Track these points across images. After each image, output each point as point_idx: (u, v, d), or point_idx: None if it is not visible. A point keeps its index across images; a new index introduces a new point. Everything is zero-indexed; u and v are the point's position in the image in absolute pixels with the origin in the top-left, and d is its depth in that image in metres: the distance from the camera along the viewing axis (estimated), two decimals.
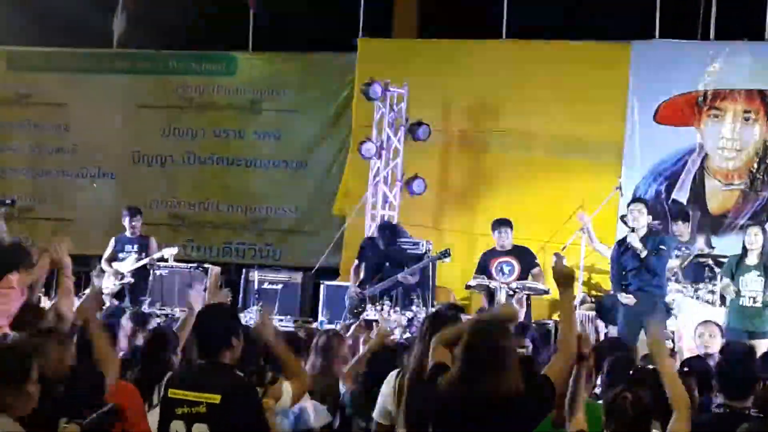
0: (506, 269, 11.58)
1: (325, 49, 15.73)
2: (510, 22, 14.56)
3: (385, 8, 15.74)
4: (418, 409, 4.99)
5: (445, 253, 12.17)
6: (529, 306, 11.48)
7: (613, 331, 11.17)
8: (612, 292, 11.36)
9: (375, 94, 13.91)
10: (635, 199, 11.59)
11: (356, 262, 12.36)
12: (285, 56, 16.12)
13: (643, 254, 10.51)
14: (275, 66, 16.15)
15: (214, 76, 16.24)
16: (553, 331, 12.32)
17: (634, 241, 10.59)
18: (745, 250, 10.67)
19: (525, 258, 11.69)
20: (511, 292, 11.05)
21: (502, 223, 11.83)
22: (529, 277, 11.49)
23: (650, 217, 10.91)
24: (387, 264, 11.98)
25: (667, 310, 10.93)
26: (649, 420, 4.76)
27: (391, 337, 7.70)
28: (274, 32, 15.88)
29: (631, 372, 5.93)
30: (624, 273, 10.76)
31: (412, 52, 15.07)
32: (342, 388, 6.65)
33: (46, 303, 8.48)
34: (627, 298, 10.54)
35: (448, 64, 14.58)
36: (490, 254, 11.79)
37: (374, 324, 10.06)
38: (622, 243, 10.85)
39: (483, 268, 11.68)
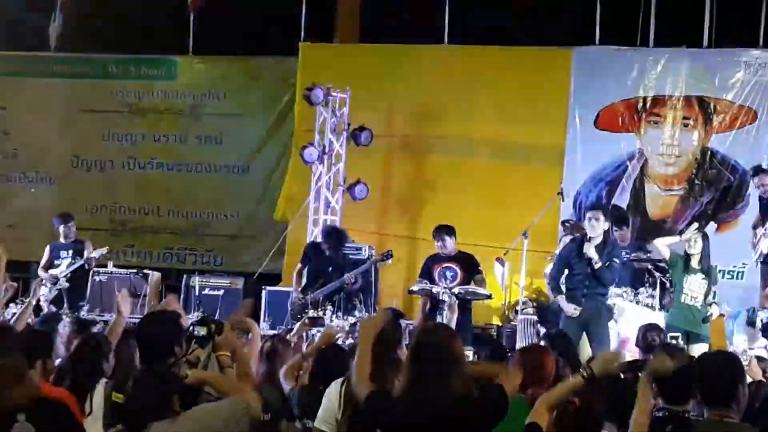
0: (449, 275, 11.55)
1: (266, 53, 15.67)
2: (452, 28, 14.62)
3: (328, 13, 15.71)
4: (368, 418, 4.95)
5: (387, 255, 12.16)
6: (469, 311, 11.44)
7: None
8: (550, 294, 11.31)
9: (317, 98, 13.87)
10: (593, 206, 11.38)
11: (299, 266, 12.29)
12: (226, 60, 16.04)
13: (598, 265, 10.35)
14: (216, 70, 16.06)
15: (154, 80, 16.11)
16: (495, 335, 12.43)
17: (590, 251, 10.35)
18: (686, 254, 10.80)
19: (468, 264, 11.66)
20: (453, 297, 11.02)
21: (442, 231, 11.71)
22: (472, 283, 11.45)
23: (607, 224, 10.72)
24: (330, 269, 11.92)
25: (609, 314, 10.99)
26: (598, 427, 4.78)
27: (337, 336, 7.65)
28: (215, 36, 15.79)
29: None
30: (569, 274, 10.66)
31: (354, 56, 15.06)
32: (285, 388, 6.59)
33: None
34: (574, 310, 10.42)
35: (390, 69, 14.59)
36: (434, 259, 11.74)
37: (319, 321, 10.04)
38: (580, 247, 10.58)
39: (426, 273, 11.63)
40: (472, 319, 11.69)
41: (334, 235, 12.35)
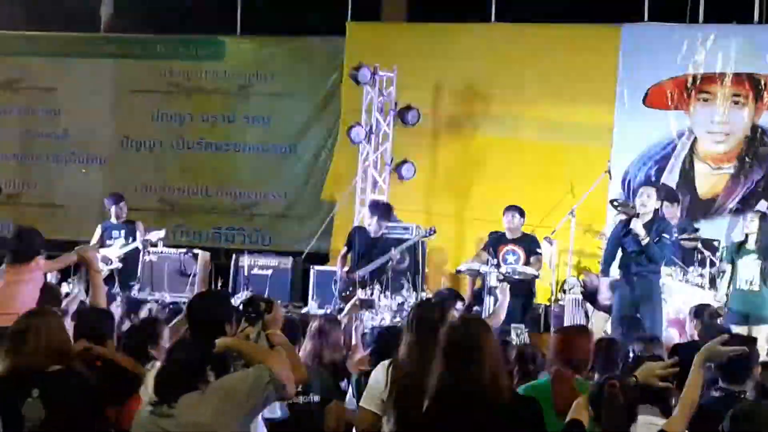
0: (512, 258, 11.58)
1: (313, 33, 15.68)
2: (499, 6, 14.54)
3: None
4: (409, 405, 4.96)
5: (431, 231, 12.17)
6: (525, 293, 11.41)
7: (601, 320, 11.16)
8: (600, 274, 11.27)
9: (364, 78, 13.88)
10: (646, 183, 11.32)
11: (344, 249, 12.33)
12: (273, 40, 16.05)
13: (645, 241, 10.32)
14: (264, 50, 16.08)
15: (202, 60, 16.16)
16: (543, 314, 12.40)
17: (637, 227, 10.33)
18: (745, 235, 10.73)
19: (529, 245, 11.70)
20: (501, 277, 11.00)
21: (514, 209, 11.81)
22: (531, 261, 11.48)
23: (659, 202, 10.65)
24: (375, 251, 11.95)
25: None
26: (636, 405, 4.76)
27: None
28: (263, 16, 15.83)
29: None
30: (623, 254, 10.63)
31: (401, 36, 15.03)
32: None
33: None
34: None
35: (437, 48, 14.53)
36: (499, 240, 11.75)
37: (369, 303, 10.07)
38: (627, 224, 10.60)
39: (493, 251, 11.63)
40: (531, 300, 11.66)
41: (381, 206, 12.40)
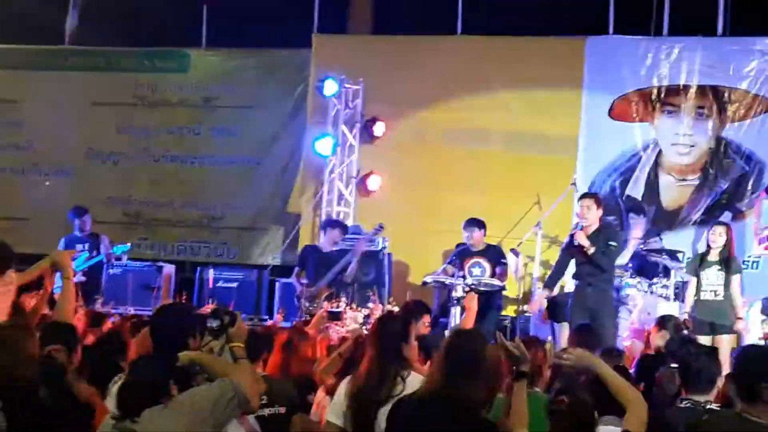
0: (478, 271, 11.58)
1: (280, 46, 15.66)
2: (465, 18, 14.57)
3: (341, 5, 15.69)
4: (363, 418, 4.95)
5: (379, 228, 12.13)
6: (492, 306, 11.42)
7: (561, 329, 11.18)
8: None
9: (330, 90, 13.87)
10: (584, 195, 11.32)
11: (296, 269, 12.28)
12: (240, 53, 16.01)
13: (591, 251, 10.39)
14: (230, 63, 16.03)
15: (168, 73, 16.09)
16: (509, 327, 12.40)
17: (581, 239, 10.38)
18: (708, 246, 10.82)
19: (495, 256, 11.70)
20: (467, 289, 11.00)
21: (473, 223, 11.77)
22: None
23: (601, 211, 10.73)
24: (328, 267, 11.92)
25: (621, 304, 10.99)
26: (591, 421, 4.75)
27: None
28: (229, 29, 15.79)
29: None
30: (576, 265, 10.69)
31: (367, 48, 15.03)
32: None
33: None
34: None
35: (403, 61, 14.53)
36: (464, 253, 11.73)
37: (336, 315, 10.03)
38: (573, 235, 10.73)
39: (458, 263, 11.63)
40: (497, 312, 11.66)
41: (333, 223, 12.42)
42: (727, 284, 10.57)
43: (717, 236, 10.77)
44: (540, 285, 12.24)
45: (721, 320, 10.53)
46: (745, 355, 4.87)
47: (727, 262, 10.66)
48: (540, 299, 10.94)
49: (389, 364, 5.26)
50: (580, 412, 4.71)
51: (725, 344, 10.24)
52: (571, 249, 10.64)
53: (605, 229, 10.69)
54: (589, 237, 10.42)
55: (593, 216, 10.49)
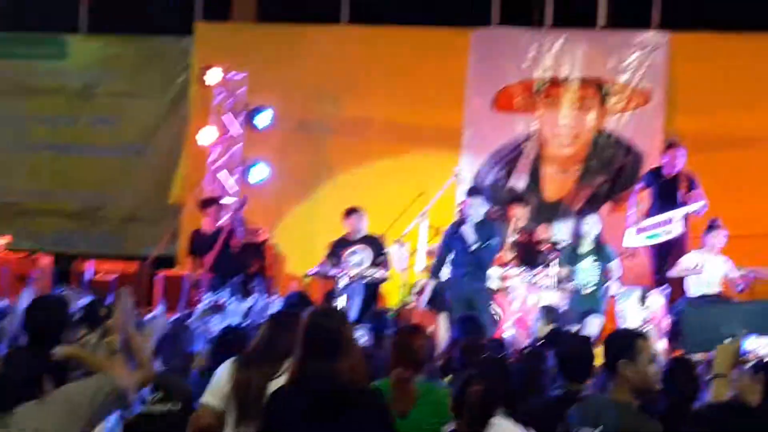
0: (357, 258, 11.55)
1: (162, 33, 15.39)
2: (351, 8, 14.54)
3: None
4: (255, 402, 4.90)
5: (243, 201, 12.43)
6: (374, 295, 11.43)
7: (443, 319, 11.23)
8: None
9: (213, 79, 13.72)
10: (471, 191, 11.39)
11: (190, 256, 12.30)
12: (120, 40, 15.69)
13: (474, 246, 10.49)
14: (110, 49, 15.67)
15: (43, 59, 15.67)
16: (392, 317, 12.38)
17: (466, 232, 10.53)
18: (581, 237, 10.99)
19: (375, 246, 11.70)
20: (349, 281, 10.99)
21: (352, 212, 11.78)
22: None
23: (486, 206, 10.83)
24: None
25: (504, 294, 11.10)
26: (494, 409, 4.79)
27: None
28: (109, 15, 15.47)
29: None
30: (454, 255, 10.79)
31: (251, 36, 14.87)
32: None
33: None
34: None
35: (288, 49, 14.43)
36: (342, 243, 11.72)
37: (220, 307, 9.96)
38: (458, 226, 10.79)
39: (335, 256, 11.61)
40: (377, 302, 11.68)
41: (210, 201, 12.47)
42: (601, 273, 10.73)
43: (589, 226, 10.92)
44: (426, 275, 12.28)
45: (595, 310, 10.68)
46: (613, 336, 4.99)
47: (601, 251, 10.83)
48: (428, 289, 10.93)
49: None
50: (489, 401, 4.74)
51: (595, 325, 10.45)
52: (453, 238, 10.73)
53: (489, 224, 10.80)
54: (473, 232, 10.50)
55: (479, 211, 10.60)
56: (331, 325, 4.54)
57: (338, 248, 11.68)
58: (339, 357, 4.42)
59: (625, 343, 4.69)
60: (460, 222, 10.81)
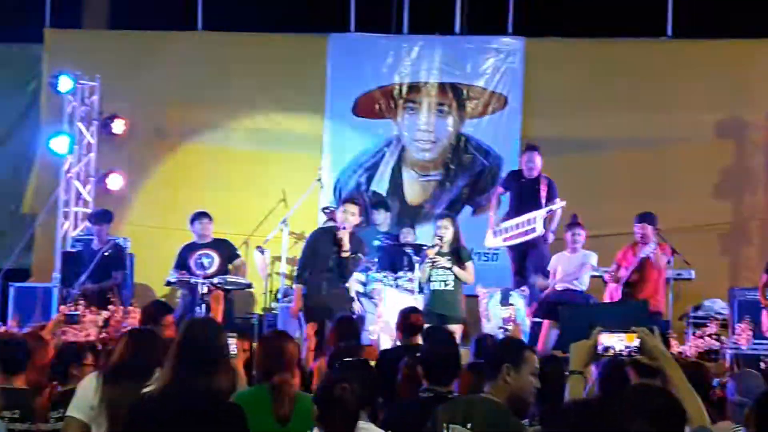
0: (206, 261, 11.36)
1: (10, 40, 14.91)
2: (206, 14, 14.34)
3: None
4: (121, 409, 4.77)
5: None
6: (230, 301, 11.24)
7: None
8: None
9: (65, 87, 13.36)
10: (348, 200, 11.16)
11: None
12: None
13: (345, 254, 10.31)
14: None
15: None
16: (256, 325, 12.25)
17: (345, 238, 10.19)
18: (440, 238, 10.99)
19: (226, 249, 11.52)
20: (212, 287, 10.79)
21: (201, 216, 11.61)
22: (231, 268, 11.32)
23: (361, 218, 10.64)
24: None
25: (368, 298, 11.04)
26: (359, 410, 4.75)
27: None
28: None
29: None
30: (318, 262, 10.61)
31: (103, 43, 14.57)
32: None
33: None
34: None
35: (142, 56, 14.18)
36: (190, 248, 11.54)
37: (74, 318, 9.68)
38: (326, 232, 10.61)
39: (182, 263, 11.41)
40: (234, 309, 11.51)
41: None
42: (457, 274, 10.73)
43: (443, 229, 10.90)
44: (288, 282, 12.18)
45: (452, 311, 10.68)
46: (503, 341, 5.38)
47: (457, 252, 10.82)
48: (299, 295, 10.67)
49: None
50: (355, 400, 4.68)
51: (455, 334, 10.43)
52: (321, 243, 10.46)
53: (357, 238, 10.58)
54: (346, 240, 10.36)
55: (353, 221, 10.37)
56: (207, 337, 4.49)
57: (187, 253, 11.50)
58: (213, 371, 4.37)
59: (513, 349, 4.87)
60: (330, 228, 10.58)
